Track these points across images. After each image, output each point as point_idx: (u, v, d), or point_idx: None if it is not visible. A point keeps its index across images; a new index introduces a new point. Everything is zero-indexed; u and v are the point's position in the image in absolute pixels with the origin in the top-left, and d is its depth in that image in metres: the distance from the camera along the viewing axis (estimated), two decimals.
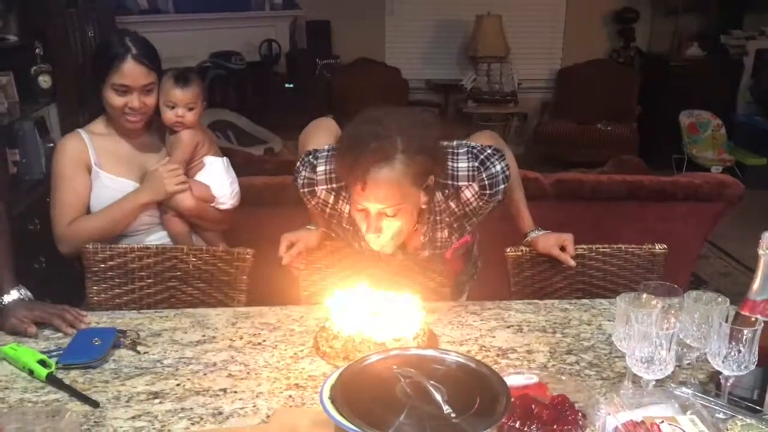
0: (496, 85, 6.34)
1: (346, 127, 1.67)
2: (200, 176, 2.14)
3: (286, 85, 5.96)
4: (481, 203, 1.76)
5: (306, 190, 1.79)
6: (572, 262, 1.96)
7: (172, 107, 2.04)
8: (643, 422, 1.23)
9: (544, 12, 6.59)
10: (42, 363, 1.49)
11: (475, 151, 1.75)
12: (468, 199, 1.75)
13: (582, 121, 6.15)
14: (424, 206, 1.71)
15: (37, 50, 3.53)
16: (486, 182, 1.72)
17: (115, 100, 1.97)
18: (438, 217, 1.78)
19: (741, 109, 6.33)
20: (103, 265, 1.97)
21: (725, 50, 6.33)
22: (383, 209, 1.60)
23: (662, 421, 1.23)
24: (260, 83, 5.87)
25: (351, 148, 1.58)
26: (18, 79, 3.40)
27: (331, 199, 1.79)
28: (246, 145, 5.14)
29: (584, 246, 2.06)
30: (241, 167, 3.27)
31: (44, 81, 3.53)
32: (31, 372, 1.49)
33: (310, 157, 1.80)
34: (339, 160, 1.65)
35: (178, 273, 2.02)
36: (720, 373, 1.36)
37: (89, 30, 3.93)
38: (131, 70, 1.95)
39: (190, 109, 2.06)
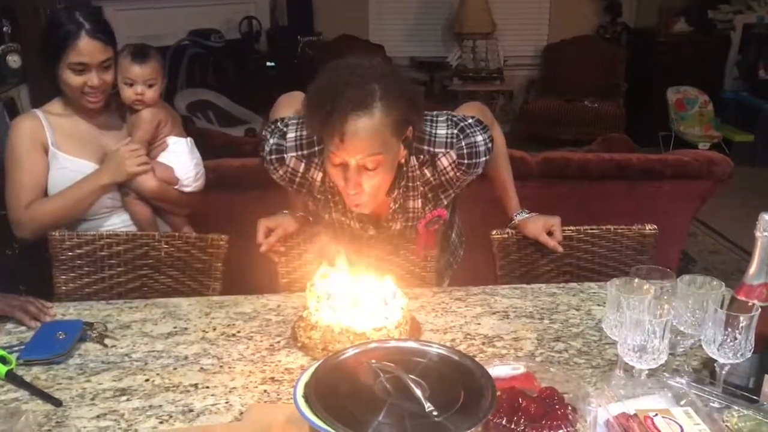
0: (482, 63, 6.26)
1: (315, 80, 1.55)
2: (163, 157, 2.05)
3: (268, 64, 5.84)
4: (458, 173, 1.67)
5: (274, 157, 1.69)
6: (560, 249, 1.89)
7: (131, 84, 1.95)
8: (635, 415, 1.17)
9: None
10: (1, 359, 1.41)
11: (455, 119, 1.68)
12: (444, 168, 1.67)
13: (568, 99, 6.09)
14: (402, 160, 1.61)
15: (5, 29, 3.41)
16: (464, 151, 1.64)
17: (74, 79, 1.88)
18: (411, 184, 1.70)
19: (728, 85, 6.29)
20: (70, 253, 1.88)
21: (713, 25, 6.26)
22: (363, 161, 1.50)
23: (656, 414, 1.17)
24: (240, 62, 5.75)
25: (325, 99, 1.47)
26: None
27: (302, 167, 1.69)
28: (226, 125, 5.04)
29: (572, 227, 1.99)
30: (220, 149, 3.19)
31: (13, 61, 3.41)
32: None
33: (279, 124, 1.71)
34: (312, 114, 1.53)
35: (150, 261, 1.94)
36: (714, 360, 1.30)
37: (60, 7, 3.79)
38: (87, 47, 1.85)
39: (150, 86, 1.97)
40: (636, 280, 1.41)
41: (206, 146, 2.23)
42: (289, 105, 1.86)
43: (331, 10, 6.27)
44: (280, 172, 1.71)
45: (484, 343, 1.54)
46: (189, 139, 2.12)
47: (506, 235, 1.97)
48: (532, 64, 6.66)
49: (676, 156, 3.03)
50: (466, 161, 1.65)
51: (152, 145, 2.04)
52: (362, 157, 1.50)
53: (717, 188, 3.03)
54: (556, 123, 6.02)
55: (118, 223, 2.01)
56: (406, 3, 6.52)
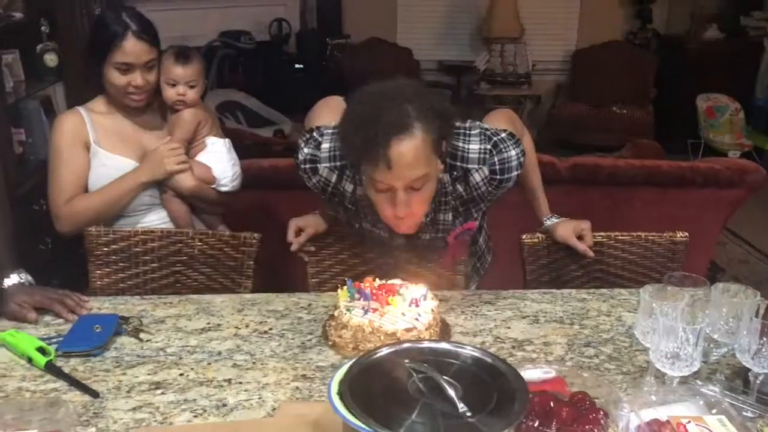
0: (510, 67, 6.24)
1: (346, 110, 1.56)
2: (201, 157, 2.09)
3: (296, 66, 5.87)
4: (490, 188, 1.67)
5: (308, 166, 1.71)
6: (590, 253, 1.88)
7: (173, 85, 1.99)
8: (668, 422, 1.17)
9: None
10: (41, 350, 1.44)
11: (488, 133, 1.67)
12: (476, 183, 1.67)
13: (596, 104, 6.05)
14: (441, 175, 1.62)
15: (42, 28, 3.45)
16: (497, 167, 1.64)
17: (118, 79, 1.92)
18: (443, 199, 1.70)
19: (760, 92, 6.18)
20: (105, 249, 1.92)
21: (745, 32, 6.18)
22: (411, 182, 1.51)
23: (689, 421, 1.17)
24: (270, 63, 5.79)
25: (362, 128, 1.47)
26: (24, 57, 3.34)
27: (334, 178, 1.70)
28: (255, 126, 5.08)
29: (602, 233, 1.98)
30: (249, 149, 3.22)
31: (50, 59, 3.45)
32: (29, 359, 1.44)
33: (315, 133, 1.73)
34: (350, 144, 1.52)
35: (184, 257, 1.97)
36: (748, 369, 1.30)
37: (96, 8, 3.85)
38: (133, 48, 1.90)
39: (192, 87, 2.01)
40: (669, 287, 1.41)
41: (236, 146, 2.26)
42: (327, 111, 1.87)
43: (359, 14, 6.30)
44: (314, 180, 1.73)
45: (514, 347, 1.55)
46: (227, 140, 2.16)
47: (536, 240, 1.98)
48: (561, 69, 6.62)
49: (707, 164, 3.01)
50: (498, 177, 1.65)
51: (191, 145, 2.08)
52: (411, 180, 1.50)
53: (748, 197, 3.00)
54: (583, 128, 5.98)
55: (156, 220, 2.05)
56: (434, 6, 6.52)
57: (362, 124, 1.47)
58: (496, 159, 1.64)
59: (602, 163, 2.97)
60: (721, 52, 6.06)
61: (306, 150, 1.71)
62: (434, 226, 1.76)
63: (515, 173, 1.66)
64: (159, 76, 1.99)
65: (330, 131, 1.70)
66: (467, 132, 1.67)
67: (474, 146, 1.65)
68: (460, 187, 1.69)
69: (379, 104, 1.48)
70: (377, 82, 1.57)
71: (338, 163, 1.68)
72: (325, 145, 1.69)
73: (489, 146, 1.65)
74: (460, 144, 1.65)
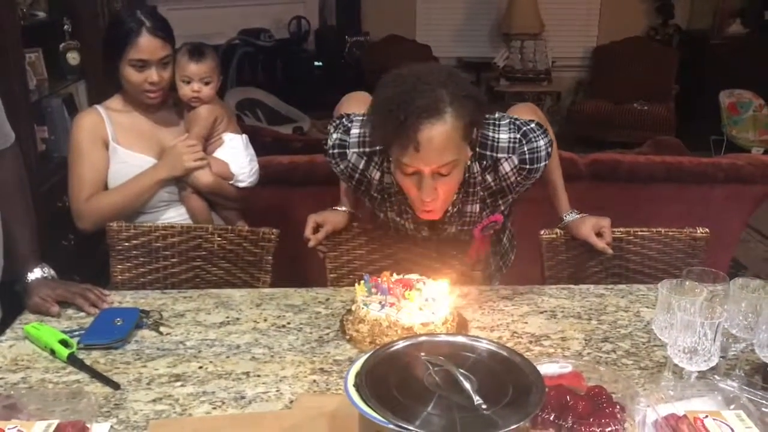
0: (530, 63, 6.21)
1: (378, 91, 1.55)
2: (219, 153, 2.11)
3: (315, 63, 5.89)
4: (519, 179, 1.68)
5: (336, 151, 1.71)
6: (609, 251, 1.87)
7: (188, 82, 2.01)
8: (685, 416, 1.16)
9: None
10: (63, 343, 1.47)
11: (518, 123, 1.68)
12: (506, 173, 1.67)
13: (618, 101, 6.00)
14: (470, 163, 1.62)
15: (65, 27, 3.51)
16: (527, 156, 1.64)
17: (134, 76, 1.94)
18: (471, 189, 1.70)
19: None
20: (127, 244, 1.95)
21: None
22: (439, 168, 1.50)
23: (706, 416, 1.16)
24: (289, 61, 5.82)
25: (395, 110, 1.46)
26: (47, 55, 3.39)
27: (362, 164, 1.71)
28: (274, 123, 5.11)
29: (621, 229, 1.97)
30: (269, 146, 3.24)
31: (72, 58, 3.51)
32: (52, 352, 1.46)
33: (344, 120, 1.73)
34: (381, 125, 1.51)
35: (203, 252, 1.99)
36: (767, 365, 1.28)
37: (118, 6, 3.90)
38: (148, 44, 1.92)
39: (207, 84, 2.03)
40: (687, 282, 1.40)
41: (255, 143, 2.28)
42: (355, 103, 1.87)
43: (378, 11, 6.30)
44: (341, 166, 1.73)
45: (531, 342, 1.55)
46: (244, 135, 2.17)
47: (555, 236, 1.97)
48: (581, 65, 6.58)
49: (729, 159, 2.98)
50: (527, 166, 1.65)
51: (209, 141, 2.09)
52: (438, 164, 1.50)
53: None
54: (604, 125, 5.94)
55: (175, 216, 2.07)
56: (453, 3, 6.51)
57: (394, 106, 1.46)
58: (525, 148, 1.64)
59: (622, 160, 2.94)
60: (744, 48, 5.98)
61: (335, 135, 1.72)
62: (461, 218, 1.76)
63: (544, 163, 1.67)
64: (174, 73, 2.00)
65: (360, 117, 1.71)
66: (496, 122, 1.67)
67: (504, 135, 1.65)
68: (489, 177, 1.69)
69: (413, 87, 1.48)
70: (411, 65, 1.56)
71: (367, 149, 1.68)
72: (355, 131, 1.70)
73: (519, 135, 1.65)
74: (490, 133, 1.65)
